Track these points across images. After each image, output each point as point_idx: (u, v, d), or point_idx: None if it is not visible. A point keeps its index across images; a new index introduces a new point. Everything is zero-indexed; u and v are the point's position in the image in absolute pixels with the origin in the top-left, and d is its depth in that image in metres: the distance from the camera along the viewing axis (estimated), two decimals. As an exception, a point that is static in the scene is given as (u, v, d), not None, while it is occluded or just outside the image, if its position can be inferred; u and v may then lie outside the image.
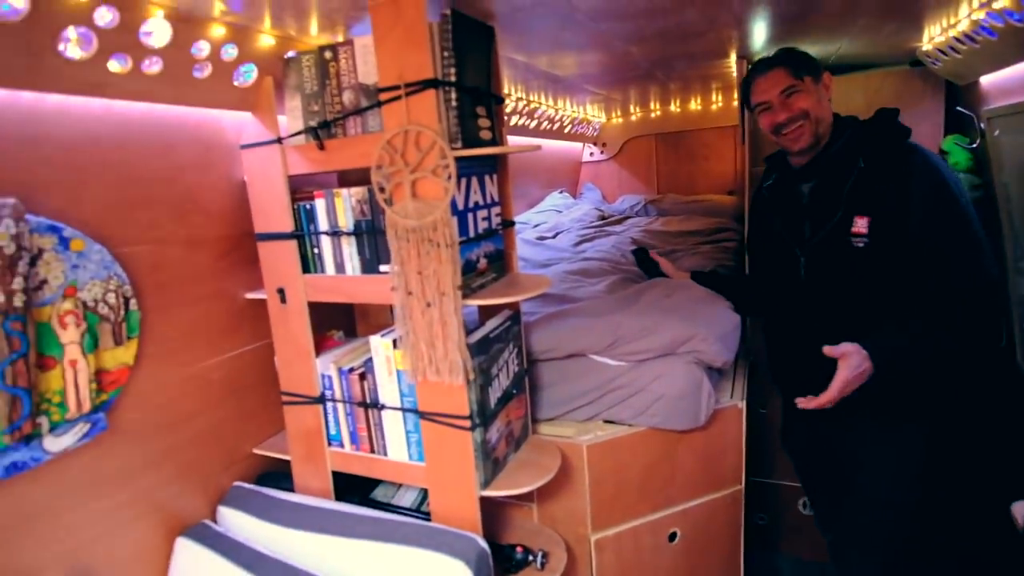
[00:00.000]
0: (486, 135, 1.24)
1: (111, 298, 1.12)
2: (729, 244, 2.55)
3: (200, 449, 1.35)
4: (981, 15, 1.48)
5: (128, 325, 1.16)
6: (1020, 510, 1.45)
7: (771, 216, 1.57)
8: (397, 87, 1.11)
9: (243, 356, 1.46)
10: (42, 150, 1.05)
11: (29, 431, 0.98)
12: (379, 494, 1.48)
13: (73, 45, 0.96)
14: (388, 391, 1.31)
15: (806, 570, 2.31)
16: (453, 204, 1.15)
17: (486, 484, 1.25)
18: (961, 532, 1.88)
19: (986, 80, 1.85)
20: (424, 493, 1.44)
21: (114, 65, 1.04)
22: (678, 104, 3.60)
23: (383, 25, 1.11)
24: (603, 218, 3.33)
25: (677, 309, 1.59)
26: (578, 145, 4.04)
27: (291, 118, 1.28)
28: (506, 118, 2.46)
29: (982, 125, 1.87)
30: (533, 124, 2.85)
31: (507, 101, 2.40)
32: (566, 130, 3.33)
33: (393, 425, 1.32)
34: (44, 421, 1.01)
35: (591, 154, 4.08)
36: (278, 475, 1.47)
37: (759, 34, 1.77)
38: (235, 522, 1.34)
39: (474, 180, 1.26)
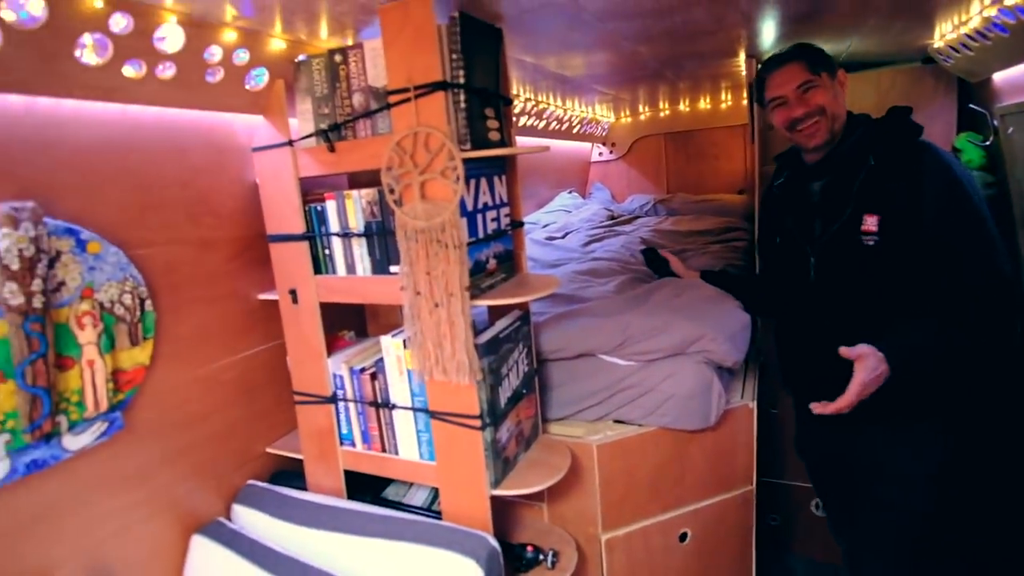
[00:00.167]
0: (495, 136, 1.25)
1: (127, 299, 1.14)
2: (739, 243, 2.53)
3: (214, 448, 1.37)
4: (993, 12, 1.47)
5: (144, 326, 1.18)
6: None
7: (782, 215, 1.56)
8: (406, 89, 1.13)
9: (256, 356, 1.47)
10: (59, 154, 1.07)
11: (49, 430, 1.00)
12: (391, 493, 1.49)
13: (89, 51, 0.98)
14: (399, 391, 1.32)
15: (819, 571, 2.29)
16: (462, 205, 1.15)
17: (496, 483, 1.26)
18: (979, 532, 1.85)
19: (999, 77, 1.83)
20: (435, 492, 1.45)
21: (129, 70, 1.06)
22: (687, 103, 3.59)
23: (392, 28, 1.12)
24: (612, 218, 3.32)
25: (686, 309, 1.59)
26: (587, 145, 4.04)
27: (302, 121, 1.30)
28: (515, 119, 2.48)
29: (995, 122, 1.85)
30: (542, 124, 2.85)
31: (516, 102, 2.41)
32: (575, 130, 3.33)
33: (404, 424, 1.33)
34: (63, 420, 1.04)
35: (600, 154, 4.08)
36: (291, 474, 1.49)
37: (768, 33, 1.76)
38: (249, 520, 1.36)
39: (483, 181, 1.27)
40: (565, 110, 2.97)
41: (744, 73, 2.36)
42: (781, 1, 1.41)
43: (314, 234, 1.34)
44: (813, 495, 2.25)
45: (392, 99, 1.15)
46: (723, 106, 3.56)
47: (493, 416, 1.24)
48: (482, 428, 1.21)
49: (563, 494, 1.49)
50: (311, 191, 1.36)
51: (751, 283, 1.82)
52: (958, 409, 1.40)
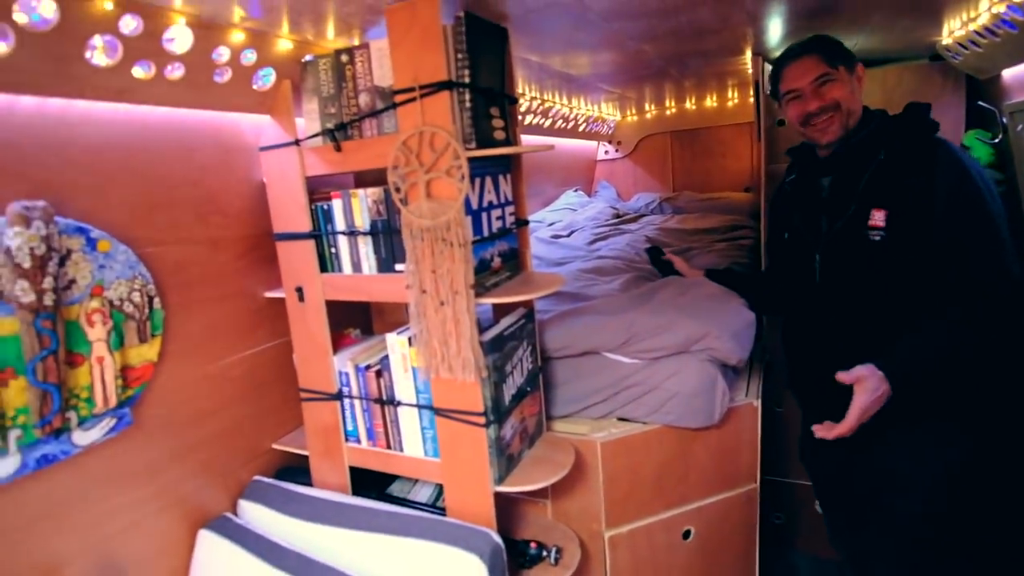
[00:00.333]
0: (500, 135, 1.25)
1: (136, 297, 1.15)
2: (745, 242, 2.53)
3: (221, 444, 1.39)
4: (1002, 8, 1.46)
5: (152, 323, 1.19)
6: None
7: (792, 212, 1.53)
8: (412, 89, 1.13)
9: (262, 353, 1.49)
10: (70, 154, 1.08)
11: (59, 425, 1.01)
12: (395, 489, 1.50)
13: (99, 53, 1.00)
14: (404, 388, 1.33)
15: (823, 568, 2.29)
16: (467, 204, 1.16)
17: (500, 480, 1.27)
18: (992, 532, 1.83)
19: (1008, 74, 1.81)
20: (440, 489, 1.46)
21: (138, 71, 1.08)
22: (693, 101, 3.58)
23: (398, 28, 1.13)
24: (618, 216, 3.32)
25: (691, 307, 1.59)
26: (593, 143, 4.03)
27: (308, 120, 1.31)
28: (520, 117, 2.48)
29: (1004, 120, 1.83)
30: (548, 123, 2.85)
31: (521, 100, 2.41)
32: (581, 128, 3.33)
33: (409, 421, 1.34)
34: (73, 416, 1.05)
35: (606, 152, 4.07)
36: (297, 470, 1.50)
37: (774, 30, 1.75)
38: (255, 515, 1.37)
39: (488, 180, 1.28)
40: (571, 109, 2.97)
41: (751, 71, 2.35)
42: (785, 0, 1.41)
43: (320, 233, 1.36)
44: (818, 494, 2.25)
45: (398, 99, 1.16)
46: (730, 104, 3.54)
47: (497, 413, 1.25)
48: (486, 425, 1.22)
49: (567, 491, 1.50)
50: (317, 190, 1.37)
51: (756, 281, 1.82)
52: (971, 411, 1.36)
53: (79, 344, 1.06)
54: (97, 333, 1.08)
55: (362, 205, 1.29)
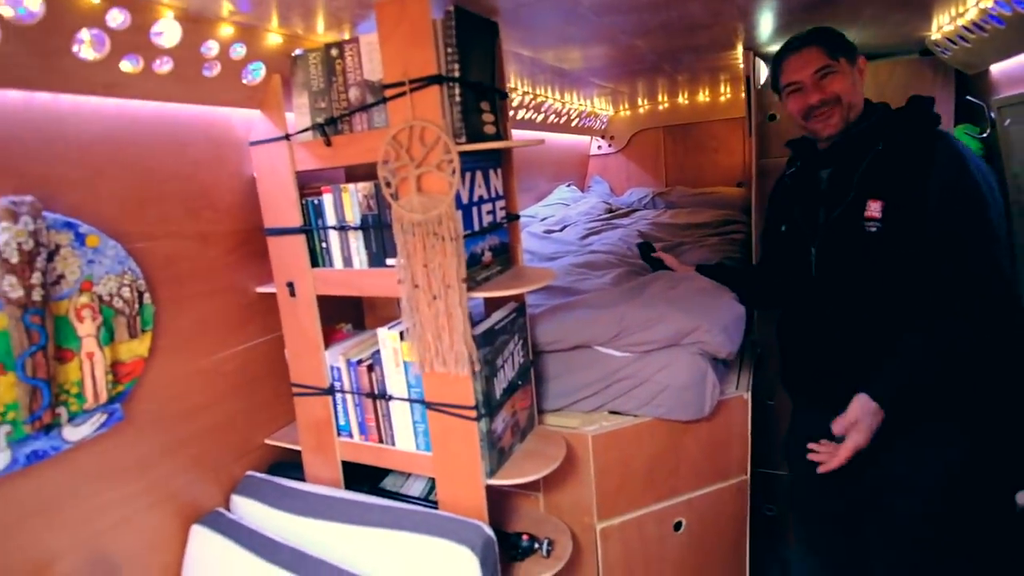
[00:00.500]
0: (490, 130, 1.25)
1: (126, 292, 1.15)
2: (737, 236, 2.54)
3: (213, 439, 1.39)
4: (990, 3, 1.47)
5: (142, 318, 1.19)
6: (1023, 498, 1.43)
7: (791, 205, 1.52)
8: (402, 83, 1.13)
9: (254, 349, 1.49)
10: (58, 149, 1.08)
11: (48, 421, 1.01)
12: (388, 483, 1.51)
13: (87, 46, 0.99)
14: (395, 382, 1.33)
15: (814, 561, 2.31)
16: (458, 198, 1.16)
17: (492, 473, 1.28)
18: (992, 533, 1.83)
19: (996, 69, 1.83)
20: (432, 482, 1.46)
21: (126, 65, 1.07)
22: (686, 96, 3.59)
23: (388, 23, 1.13)
24: (611, 211, 3.33)
25: (681, 300, 1.60)
26: (585, 138, 4.03)
27: (299, 115, 1.31)
28: (513, 112, 2.48)
29: (992, 114, 1.85)
30: (540, 118, 2.85)
31: (513, 95, 2.41)
32: (573, 123, 3.33)
33: (401, 416, 1.34)
34: (63, 411, 1.05)
35: (599, 147, 4.08)
36: (289, 465, 1.50)
37: (765, 25, 1.76)
38: (248, 510, 1.37)
39: (479, 175, 1.28)
40: (563, 103, 2.97)
41: (742, 66, 2.36)
42: (776, -6, 1.42)
43: (311, 227, 1.35)
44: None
45: (388, 93, 1.16)
46: (722, 99, 3.55)
47: (488, 407, 1.25)
48: (477, 419, 1.23)
49: (559, 484, 1.51)
50: (308, 185, 1.37)
51: (747, 275, 1.82)
52: (970, 411, 1.35)
53: (69, 340, 1.05)
54: (87, 328, 1.08)
55: (352, 200, 1.29)
